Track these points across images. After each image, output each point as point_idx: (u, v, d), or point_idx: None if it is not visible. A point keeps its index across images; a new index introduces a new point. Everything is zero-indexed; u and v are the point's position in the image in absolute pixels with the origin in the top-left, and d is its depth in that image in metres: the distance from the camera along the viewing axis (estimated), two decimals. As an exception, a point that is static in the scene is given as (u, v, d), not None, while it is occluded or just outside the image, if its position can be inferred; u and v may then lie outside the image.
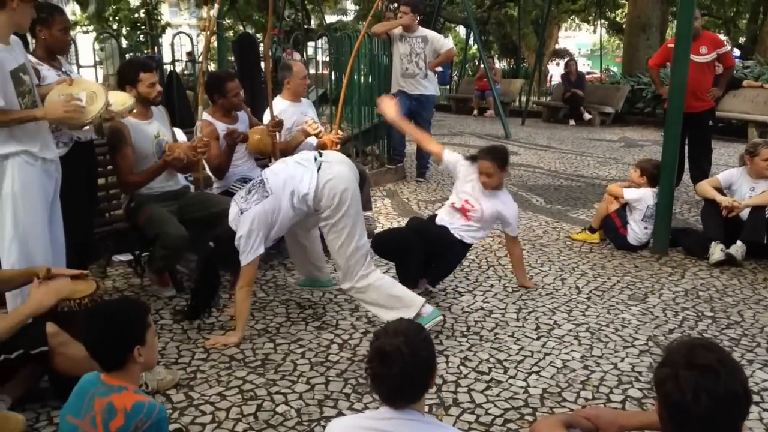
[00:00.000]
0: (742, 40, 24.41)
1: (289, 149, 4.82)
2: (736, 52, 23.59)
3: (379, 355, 1.80)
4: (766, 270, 4.53)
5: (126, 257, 4.46)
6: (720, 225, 4.70)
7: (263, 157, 4.76)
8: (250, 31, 21.35)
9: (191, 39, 6.84)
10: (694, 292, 4.12)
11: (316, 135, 4.80)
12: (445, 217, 4.08)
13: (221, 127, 4.36)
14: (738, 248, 4.54)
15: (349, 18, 28.19)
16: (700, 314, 3.79)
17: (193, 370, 3.08)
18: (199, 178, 4.36)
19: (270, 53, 4.96)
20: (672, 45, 5.22)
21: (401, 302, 3.27)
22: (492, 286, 4.24)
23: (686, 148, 6.19)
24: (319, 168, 3.31)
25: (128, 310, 2.12)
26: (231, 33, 20.27)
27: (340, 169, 3.34)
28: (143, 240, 4.03)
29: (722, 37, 24.32)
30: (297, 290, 4.10)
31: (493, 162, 3.93)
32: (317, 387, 2.93)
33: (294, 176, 3.31)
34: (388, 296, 3.29)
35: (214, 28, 5.29)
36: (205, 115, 4.41)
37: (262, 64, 6.90)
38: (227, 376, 3.02)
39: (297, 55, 9.99)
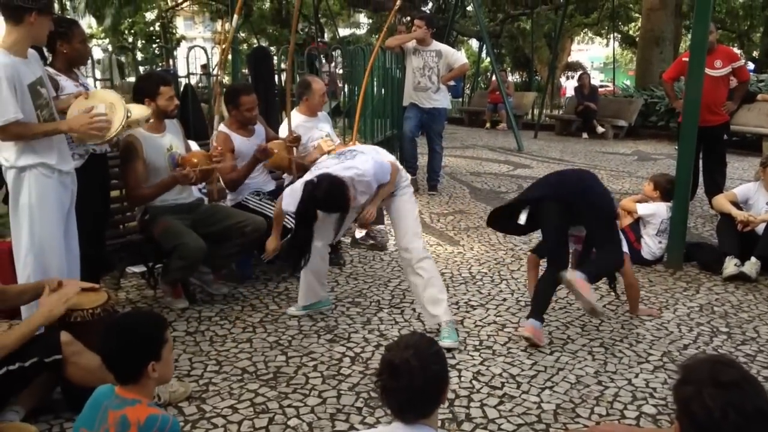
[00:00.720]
0: (755, 53, 24.29)
1: (304, 167, 4.84)
2: (750, 65, 23.51)
3: (389, 367, 1.79)
4: (783, 285, 4.49)
5: (139, 269, 4.49)
6: (735, 239, 4.66)
7: (279, 171, 4.79)
8: (264, 44, 21.55)
9: (206, 52, 6.90)
10: (709, 308, 4.08)
11: (331, 152, 4.81)
12: None
13: (237, 140, 4.39)
14: (752, 265, 4.50)
15: (363, 31, 28.33)
16: (715, 330, 3.75)
17: (206, 382, 3.09)
18: (213, 190, 4.39)
19: (293, 66, 4.98)
20: (687, 59, 5.21)
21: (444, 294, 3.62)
22: (505, 299, 4.22)
23: (700, 162, 6.16)
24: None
25: (147, 324, 2.12)
26: (245, 46, 20.45)
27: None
28: (158, 252, 4.05)
29: (736, 50, 24.26)
30: (309, 303, 4.10)
31: None
32: (329, 400, 2.93)
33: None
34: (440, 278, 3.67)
35: (230, 42, 5.33)
36: (222, 127, 4.44)
37: (279, 77, 6.97)
38: (239, 389, 3.02)
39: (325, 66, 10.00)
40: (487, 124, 15.89)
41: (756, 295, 4.31)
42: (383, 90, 7.67)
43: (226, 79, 11.75)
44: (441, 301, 3.57)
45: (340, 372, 3.20)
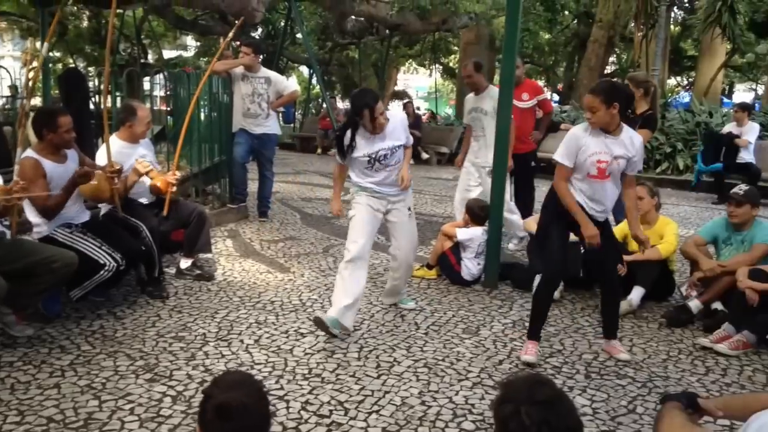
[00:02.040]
0: (560, 86, 26.79)
1: (122, 192, 4.59)
2: (555, 97, 25.87)
3: (218, 410, 1.70)
4: (583, 300, 4.93)
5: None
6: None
7: (98, 202, 4.49)
8: (81, 65, 20.24)
9: (9, 73, 6.36)
10: (521, 323, 4.37)
11: (147, 174, 4.62)
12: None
13: (49, 166, 4.05)
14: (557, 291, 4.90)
15: (190, 54, 27.56)
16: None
17: (5, 436, 2.79)
18: (13, 224, 3.97)
19: (111, 89, 4.71)
20: (498, 91, 5.61)
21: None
22: (333, 326, 4.25)
23: (512, 186, 6.63)
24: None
25: None
26: (60, 66, 19.10)
27: None
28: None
29: (542, 83, 26.60)
30: (127, 341, 3.86)
31: (594, 95, 3.60)
32: (148, 445, 2.76)
33: None
34: None
35: (36, 63, 4.95)
36: (30, 152, 4.07)
37: (97, 100, 6.56)
38: (45, 441, 2.76)
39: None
40: (319, 150, 16.07)
41: (561, 309, 4.70)
42: (213, 114, 7.49)
43: (36, 101, 10.92)
44: None
45: (159, 413, 3.02)
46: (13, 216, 3.86)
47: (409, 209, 4.34)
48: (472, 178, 6.08)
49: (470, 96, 6.08)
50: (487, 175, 5.77)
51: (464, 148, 6.39)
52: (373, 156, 4.08)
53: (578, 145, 3.67)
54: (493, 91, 5.78)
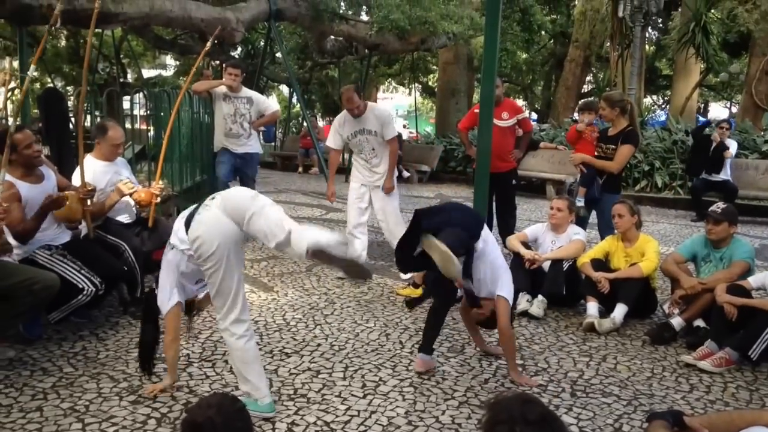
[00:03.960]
0: (538, 105, 27.12)
1: (102, 211, 4.55)
2: (534, 116, 26.19)
3: (190, 427, 1.73)
4: (567, 318, 4.96)
5: None
6: (526, 276, 5.08)
7: (72, 224, 4.43)
8: (59, 84, 20.11)
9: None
10: (506, 341, 4.38)
11: (131, 195, 4.60)
12: None
13: (24, 188, 4.00)
14: (539, 303, 4.94)
15: (169, 73, 27.49)
16: (511, 362, 4.04)
17: (-15, 462, 2.73)
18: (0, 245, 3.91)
19: (86, 109, 4.67)
20: (477, 110, 5.67)
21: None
22: (319, 345, 4.23)
23: (494, 205, 6.68)
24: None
25: None
26: (38, 85, 18.95)
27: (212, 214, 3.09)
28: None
29: (521, 102, 26.93)
30: (110, 363, 3.81)
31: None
32: (132, 469, 2.72)
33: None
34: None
35: (13, 82, 4.91)
36: (7, 176, 4.02)
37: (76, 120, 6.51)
38: (27, 467, 2.71)
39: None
40: (300, 169, 16.07)
41: (545, 327, 4.73)
42: (191, 134, 7.47)
43: (12, 121, 10.81)
44: None
45: (144, 436, 2.99)
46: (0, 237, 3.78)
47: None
48: (364, 199, 5.99)
49: (346, 120, 5.80)
50: (385, 194, 5.85)
51: (332, 174, 6.39)
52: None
53: None
54: (376, 109, 5.74)
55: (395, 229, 5.75)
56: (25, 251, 4.07)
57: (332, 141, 5.96)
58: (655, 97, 29.38)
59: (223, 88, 6.93)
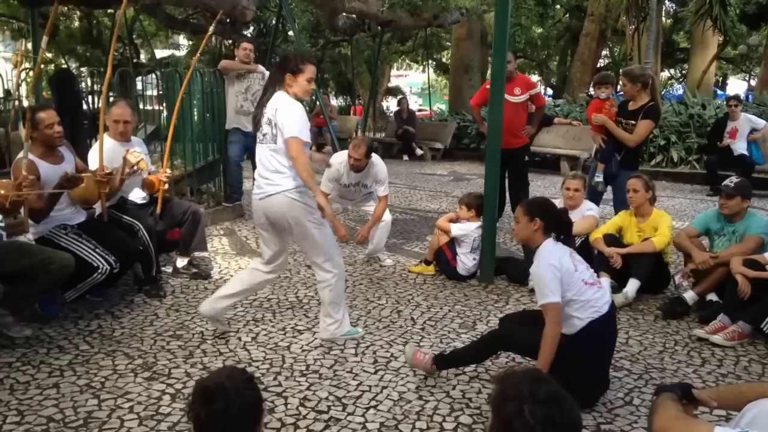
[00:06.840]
0: (554, 80, 26.81)
1: (113, 189, 4.58)
2: (549, 91, 25.89)
3: (202, 393, 1.79)
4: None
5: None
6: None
7: (88, 206, 4.47)
8: (73, 65, 20.16)
9: (1, 75, 6.34)
10: (518, 317, 4.39)
11: (137, 164, 4.55)
12: None
13: (44, 167, 4.03)
14: None
15: (182, 53, 27.46)
16: (523, 337, 4.05)
17: (4, 437, 2.80)
18: (25, 222, 3.86)
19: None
20: (489, 86, 5.62)
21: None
22: (330, 322, 4.25)
23: (506, 181, 6.65)
24: None
25: None
26: (52, 67, 19.01)
27: None
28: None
29: (536, 78, 26.64)
30: (125, 340, 3.87)
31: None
32: (147, 443, 2.77)
33: None
34: None
35: (28, 64, 4.93)
36: (30, 155, 4.05)
37: (92, 100, 6.54)
38: (44, 441, 2.77)
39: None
40: (313, 148, 16.04)
41: (557, 302, 4.71)
42: (207, 114, 7.48)
43: (27, 102, 10.89)
44: None
45: (159, 411, 3.04)
46: (25, 215, 3.79)
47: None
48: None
49: (345, 172, 5.61)
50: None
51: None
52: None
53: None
54: (376, 166, 5.51)
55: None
56: (41, 230, 4.12)
57: (326, 188, 5.57)
58: (672, 71, 28.93)
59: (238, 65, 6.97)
